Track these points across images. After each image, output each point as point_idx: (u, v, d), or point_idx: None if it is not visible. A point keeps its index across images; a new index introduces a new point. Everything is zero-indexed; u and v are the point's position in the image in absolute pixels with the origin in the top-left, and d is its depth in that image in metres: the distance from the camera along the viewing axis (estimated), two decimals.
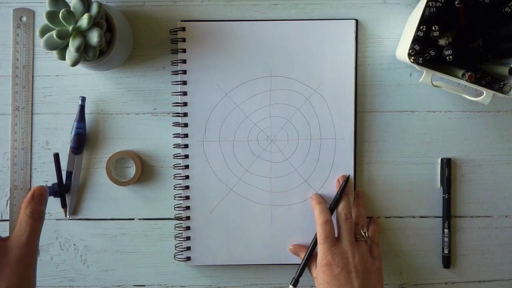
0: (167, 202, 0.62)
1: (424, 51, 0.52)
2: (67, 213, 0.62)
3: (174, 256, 0.62)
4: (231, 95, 0.61)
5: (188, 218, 0.61)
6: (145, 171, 0.62)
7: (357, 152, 0.61)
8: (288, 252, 0.61)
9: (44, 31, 0.51)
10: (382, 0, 0.61)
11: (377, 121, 0.62)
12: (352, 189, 0.61)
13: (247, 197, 0.61)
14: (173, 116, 0.61)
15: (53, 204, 0.62)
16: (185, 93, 0.60)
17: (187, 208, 0.61)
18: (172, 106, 0.61)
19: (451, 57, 0.51)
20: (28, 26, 0.61)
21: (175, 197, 0.62)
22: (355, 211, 0.60)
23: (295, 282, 0.59)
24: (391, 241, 0.63)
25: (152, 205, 0.62)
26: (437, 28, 0.51)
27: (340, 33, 0.60)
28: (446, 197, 0.61)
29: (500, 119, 0.62)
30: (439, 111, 0.62)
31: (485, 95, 0.52)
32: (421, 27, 0.51)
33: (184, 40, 0.60)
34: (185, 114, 0.61)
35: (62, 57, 0.52)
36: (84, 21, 0.50)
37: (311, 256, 0.59)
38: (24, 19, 0.61)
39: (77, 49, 0.50)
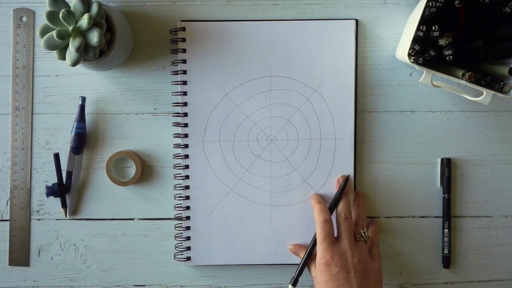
0: (167, 202, 0.62)
1: (424, 51, 0.52)
2: (67, 213, 0.62)
3: (174, 256, 0.62)
4: (231, 95, 0.61)
5: (188, 218, 0.61)
6: (145, 171, 0.62)
7: (357, 152, 0.61)
8: (288, 252, 0.61)
9: (44, 31, 0.51)
10: (382, 0, 0.61)
11: (377, 121, 0.62)
12: (352, 189, 0.61)
13: (247, 197, 0.61)
14: (173, 116, 0.61)
15: (53, 204, 0.62)
16: (185, 93, 0.60)
17: (187, 208, 0.61)
18: (172, 106, 0.61)
19: (451, 57, 0.51)
20: (28, 26, 0.61)
21: (175, 197, 0.62)
22: (355, 211, 0.60)
23: (295, 282, 0.59)
24: (391, 241, 0.63)
25: (152, 205, 0.62)
26: (437, 28, 0.51)
27: (340, 33, 0.60)
28: (446, 197, 0.61)
29: (500, 119, 0.62)
30: (439, 111, 0.62)
31: (485, 95, 0.52)
32: (421, 27, 0.51)
33: (184, 40, 0.60)
34: (185, 114, 0.61)
35: (62, 57, 0.52)
36: (84, 21, 0.50)
37: (310, 256, 0.59)
38: (24, 19, 0.61)
39: (77, 49, 0.50)
